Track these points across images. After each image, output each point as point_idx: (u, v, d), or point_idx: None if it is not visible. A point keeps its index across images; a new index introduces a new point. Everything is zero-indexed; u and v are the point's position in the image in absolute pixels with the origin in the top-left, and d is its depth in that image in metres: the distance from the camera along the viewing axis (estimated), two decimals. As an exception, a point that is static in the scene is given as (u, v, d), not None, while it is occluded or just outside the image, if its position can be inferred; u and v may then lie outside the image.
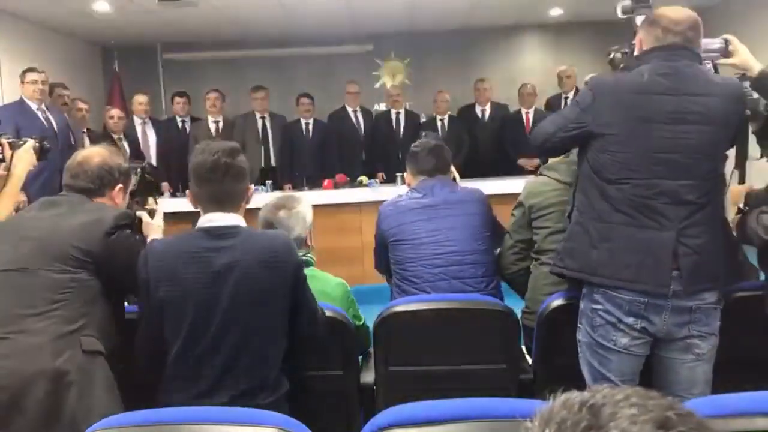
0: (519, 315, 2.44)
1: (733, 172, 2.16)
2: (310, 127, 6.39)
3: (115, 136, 5.79)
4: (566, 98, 6.31)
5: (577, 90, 6.22)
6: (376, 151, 6.44)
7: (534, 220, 2.55)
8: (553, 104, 6.43)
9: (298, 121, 6.41)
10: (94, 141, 5.47)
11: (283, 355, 1.96)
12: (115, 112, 5.90)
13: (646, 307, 1.90)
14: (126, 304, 2.16)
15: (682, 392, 1.92)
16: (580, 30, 8.00)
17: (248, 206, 1.97)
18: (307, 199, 2.45)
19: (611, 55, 2.28)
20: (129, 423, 1.33)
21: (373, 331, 2.26)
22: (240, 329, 1.80)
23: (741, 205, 2.08)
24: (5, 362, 1.74)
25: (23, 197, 3.59)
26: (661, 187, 1.88)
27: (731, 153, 2.06)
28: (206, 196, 1.87)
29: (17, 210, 2.46)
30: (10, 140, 2.47)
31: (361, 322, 2.45)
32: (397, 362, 2.25)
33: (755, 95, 2.04)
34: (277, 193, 2.60)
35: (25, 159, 2.46)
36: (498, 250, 2.73)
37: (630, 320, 1.92)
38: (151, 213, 2.38)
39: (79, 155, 2.14)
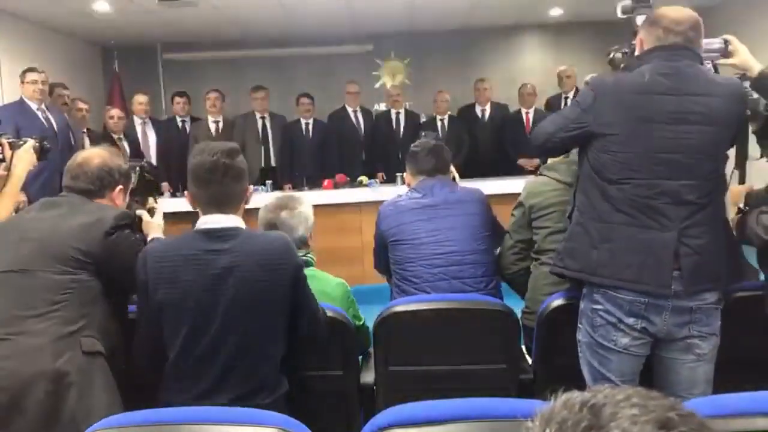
0: (519, 315, 2.44)
1: (733, 172, 2.16)
2: (310, 127, 6.39)
3: (115, 136, 5.80)
4: (566, 98, 6.31)
5: (577, 90, 6.21)
6: (376, 151, 6.44)
7: (534, 220, 2.55)
8: (553, 104, 6.43)
9: (298, 121, 6.41)
10: (94, 141, 5.48)
11: (283, 355, 1.96)
12: (115, 112, 5.91)
13: (646, 308, 1.90)
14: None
15: (682, 392, 1.92)
16: (580, 30, 8.00)
17: (247, 206, 1.97)
18: (308, 199, 2.45)
19: (611, 55, 2.28)
20: (129, 423, 1.33)
21: (373, 331, 2.26)
22: (239, 331, 1.80)
23: (741, 205, 2.08)
24: (5, 363, 1.74)
25: (23, 197, 3.59)
26: (663, 188, 1.88)
27: (731, 153, 2.06)
28: (205, 197, 1.86)
29: (17, 210, 2.46)
30: (10, 140, 2.47)
31: (361, 322, 2.45)
32: (397, 362, 2.25)
33: (755, 95, 2.04)
34: (277, 193, 2.59)
35: (25, 159, 2.46)
36: (498, 250, 2.73)
37: (630, 320, 1.91)
38: (151, 211, 2.38)
39: (79, 156, 2.14)
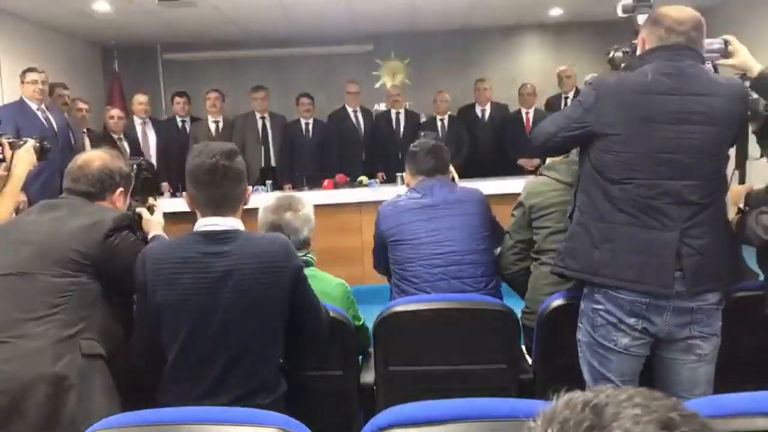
0: (519, 315, 2.44)
1: (734, 172, 2.16)
2: (310, 127, 6.39)
3: (115, 136, 5.80)
4: (566, 98, 6.31)
5: (577, 90, 6.21)
6: (376, 151, 6.44)
7: (534, 220, 2.54)
8: (553, 104, 6.43)
9: (298, 121, 6.41)
10: (94, 141, 5.48)
11: (283, 355, 1.96)
12: (115, 112, 5.91)
13: (647, 308, 1.90)
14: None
15: (683, 393, 1.91)
16: (580, 30, 8.00)
17: (247, 207, 1.96)
18: (309, 200, 2.45)
19: (611, 55, 2.28)
20: (129, 423, 1.33)
21: (373, 331, 2.25)
22: (239, 333, 1.80)
23: (741, 205, 2.08)
24: (5, 366, 1.74)
25: (23, 197, 3.59)
26: (665, 188, 1.87)
27: (731, 153, 2.06)
28: (204, 199, 1.85)
29: (17, 210, 2.46)
30: (11, 140, 2.47)
31: (361, 323, 2.45)
32: (397, 362, 2.25)
33: (755, 95, 2.04)
34: (277, 194, 2.58)
35: (25, 159, 2.46)
36: (498, 250, 2.73)
37: (631, 320, 1.91)
38: (151, 209, 2.37)
39: (80, 159, 2.14)
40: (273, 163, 6.39)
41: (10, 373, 1.73)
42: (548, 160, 2.63)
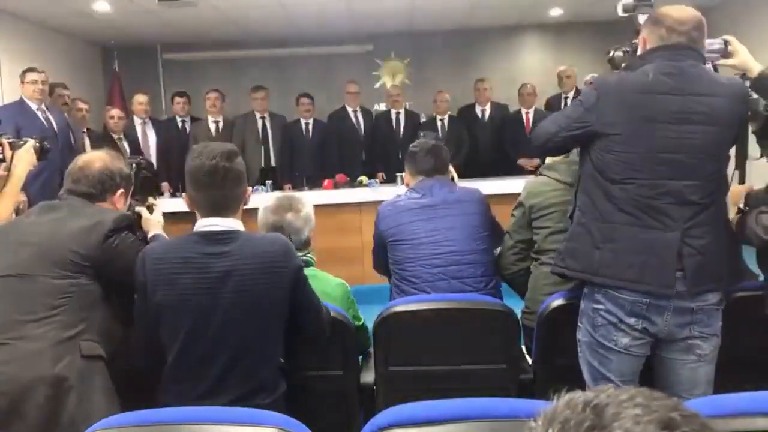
0: (519, 315, 2.44)
1: (734, 172, 2.16)
2: (310, 127, 6.39)
3: (115, 136, 5.80)
4: (566, 98, 6.31)
5: (577, 90, 6.21)
6: (376, 151, 6.44)
7: (534, 220, 2.54)
8: (553, 104, 6.43)
9: (298, 121, 6.41)
10: (94, 141, 5.49)
11: (283, 355, 1.96)
12: (115, 112, 5.91)
13: (647, 308, 1.90)
14: None
15: (683, 393, 1.91)
16: (580, 30, 8.00)
17: (246, 207, 1.96)
18: (309, 200, 2.45)
19: (611, 54, 2.28)
20: (129, 423, 1.33)
21: (373, 331, 2.25)
22: (238, 333, 1.80)
23: (741, 205, 2.08)
24: (5, 368, 1.74)
25: (23, 197, 3.60)
26: (666, 188, 1.87)
27: (731, 153, 2.06)
28: (204, 201, 1.85)
29: (17, 210, 2.46)
30: (11, 140, 2.47)
31: (361, 322, 2.45)
32: (397, 362, 2.25)
33: (755, 95, 2.04)
34: (277, 194, 2.58)
35: (25, 159, 2.46)
36: (498, 250, 2.73)
37: (631, 320, 1.91)
38: (150, 208, 2.37)
39: (81, 160, 2.14)
40: (273, 163, 6.39)
41: (10, 375, 1.73)
42: (548, 160, 2.63)
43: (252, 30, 7.42)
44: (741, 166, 2.17)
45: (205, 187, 1.83)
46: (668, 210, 1.88)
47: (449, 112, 6.46)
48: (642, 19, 2.09)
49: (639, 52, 2.02)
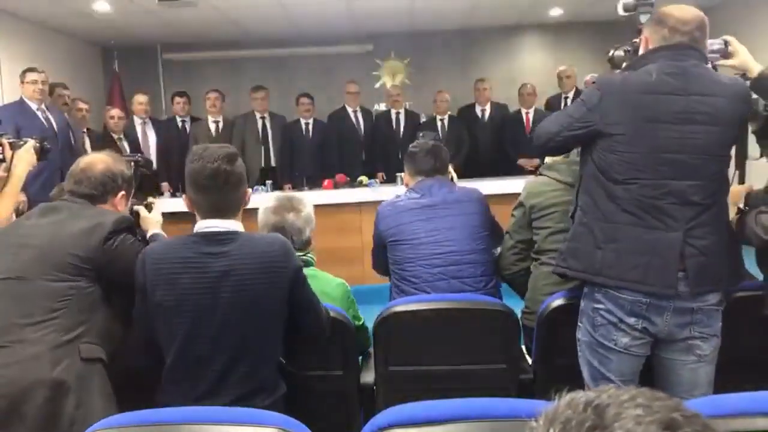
0: (519, 315, 2.44)
1: (735, 172, 2.16)
2: (310, 127, 6.39)
3: (115, 136, 5.80)
4: (566, 98, 6.31)
5: (577, 90, 6.22)
6: (376, 151, 6.44)
7: (534, 220, 2.54)
8: (553, 104, 6.43)
9: (298, 121, 6.41)
10: (94, 141, 5.49)
11: (283, 355, 1.96)
12: (115, 112, 5.91)
13: (647, 308, 1.90)
14: None
15: (683, 394, 1.91)
16: (580, 30, 8.00)
17: (246, 207, 1.96)
18: (309, 200, 2.45)
19: (611, 54, 2.27)
20: (129, 423, 1.33)
21: (373, 331, 2.25)
22: (238, 333, 1.80)
23: (741, 206, 2.08)
24: (5, 371, 1.74)
25: (23, 197, 3.60)
26: (669, 188, 1.87)
27: (731, 153, 2.06)
28: (205, 204, 1.85)
29: (17, 210, 2.46)
30: (11, 140, 2.46)
31: (361, 323, 2.45)
32: (397, 362, 2.25)
33: (755, 96, 2.04)
34: (277, 194, 2.58)
35: (25, 159, 2.46)
36: (498, 250, 2.73)
37: (631, 320, 1.91)
38: (149, 207, 2.37)
39: (83, 161, 2.14)
40: (273, 163, 6.39)
41: (9, 378, 1.74)
42: (548, 160, 2.63)
43: (252, 30, 7.42)
44: (741, 166, 2.18)
45: (206, 190, 1.83)
46: (671, 210, 1.88)
47: (449, 112, 6.45)
48: (644, 18, 2.09)
49: (641, 52, 2.02)
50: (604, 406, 0.65)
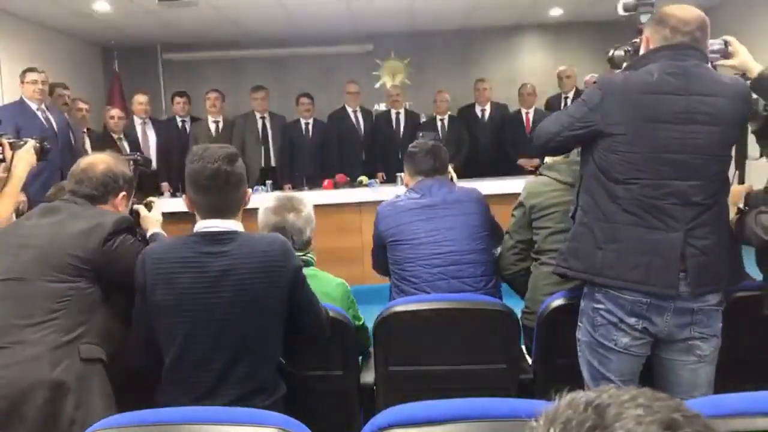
0: (519, 315, 2.44)
1: (735, 173, 2.16)
2: (310, 127, 6.39)
3: (115, 136, 5.81)
4: (566, 98, 6.31)
5: (577, 90, 6.22)
6: (376, 151, 6.44)
7: (534, 220, 2.54)
8: (553, 104, 6.43)
9: (298, 121, 6.41)
10: (94, 141, 5.49)
11: (283, 355, 1.96)
12: (115, 112, 5.92)
13: (648, 308, 1.90)
14: None
15: (683, 394, 1.91)
16: (580, 30, 8.00)
17: (246, 207, 1.96)
18: (309, 200, 2.45)
19: (611, 53, 2.27)
20: (128, 423, 1.33)
21: (373, 331, 2.25)
22: (237, 333, 1.80)
23: (741, 206, 2.08)
24: (5, 372, 1.75)
25: (23, 197, 3.60)
26: (671, 188, 1.87)
27: (732, 153, 2.06)
28: (205, 204, 1.85)
29: (17, 210, 2.46)
30: (11, 140, 2.47)
31: (361, 323, 2.45)
32: (397, 362, 2.25)
33: (754, 96, 2.04)
34: (277, 194, 2.58)
35: (25, 159, 2.46)
36: (498, 250, 2.73)
37: (632, 320, 1.91)
38: (149, 205, 2.37)
39: (84, 161, 2.14)
40: (273, 163, 6.39)
41: (9, 379, 1.74)
42: (548, 160, 2.62)
43: (252, 30, 7.42)
44: (741, 166, 2.17)
45: (206, 191, 1.83)
46: (672, 210, 1.87)
47: (449, 112, 6.45)
48: (645, 18, 2.09)
49: (642, 52, 2.01)
50: (605, 406, 0.65)
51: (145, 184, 2.49)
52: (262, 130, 6.38)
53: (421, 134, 4.12)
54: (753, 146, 2.15)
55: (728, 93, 1.91)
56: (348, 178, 5.71)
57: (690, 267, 1.87)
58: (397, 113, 6.48)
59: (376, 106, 7.55)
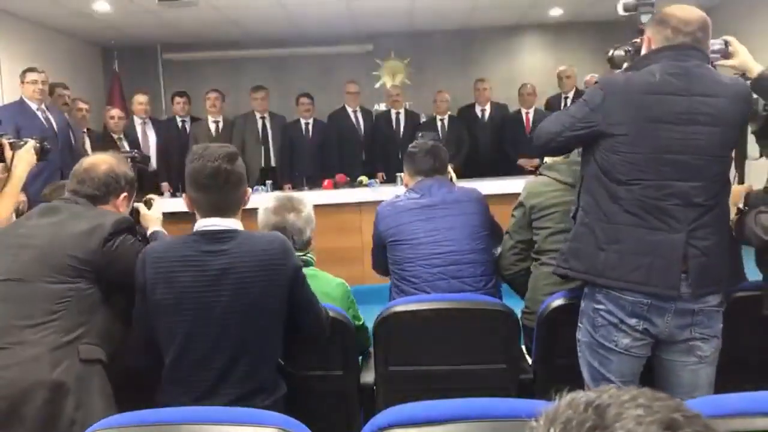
0: (519, 315, 2.44)
1: (734, 173, 2.16)
2: (310, 127, 6.39)
3: (115, 136, 5.81)
4: (566, 98, 6.32)
5: (577, 90, 6.22)
6: (376, 151, 6.44)
7: (534, 220, 2.54)
8: (553, 104, 6.43)
9: (298, 121, 6.41)
10: (94, 141, 5.49)
11: (283, 355, 1.96)
12: (115, 112, 5.92)
13: (648, 309, 1.89)
14: None
15: (683, 395, 1.90)
16: (580, 30, 8.00)
17: (246, 207, 1.96)
18: (309, 199, 2.45)
19: (611, 53, 2.27)
20: (128, 423, 1.33)
21: (373, 331, 2.25)
22: (237, 333, 1.80)
23: (741, 206, 2.08)
24: (4, 373, 1.75)
25: (23, 197, 3.60)
26: (672, 189, 1.87)
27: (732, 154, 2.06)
28: (206, 203, 1.86)
29: (17, 210, 2.46)
30: (11, 140, 2.46)
31: (361, 323, 2.45)
32: (397, 362, 2.25)
33: (754, 96, 2.04)
34: (276, 194, 2.58)
35: (25, 159, 2.46)
36: (498, 250, 2.73)
37: (632, 321, 1.91)
38: (148, 203, 2.37)
39: (86, 162, 2.14)
40: (273, 163, 6.39)
41: (9, 379, 1.74)
42: (548, 160, 2.62)
43: (252, 30, 7.42)
44: (740, 166, 2.17)
45: (207, 189, 1.83)
46: (674, 211, 1.87)
47: (449, 112, 6.45)
48: (645, 18, 2.09)
49: (643, 52, 2.01)
50: (605, 406, 0.65)
51: (145, 185, 2.48)
52: (262, 130, 6.39)
53: (420, 134, 4.12)
54: (753, 146, 2.15)
55: (729, 93, 1.91)
56: (348, 178, 5.71)
57: (691, 268, 1.87)
58: (397, 113, 6.48)
59: (376, 106, 7.55)
